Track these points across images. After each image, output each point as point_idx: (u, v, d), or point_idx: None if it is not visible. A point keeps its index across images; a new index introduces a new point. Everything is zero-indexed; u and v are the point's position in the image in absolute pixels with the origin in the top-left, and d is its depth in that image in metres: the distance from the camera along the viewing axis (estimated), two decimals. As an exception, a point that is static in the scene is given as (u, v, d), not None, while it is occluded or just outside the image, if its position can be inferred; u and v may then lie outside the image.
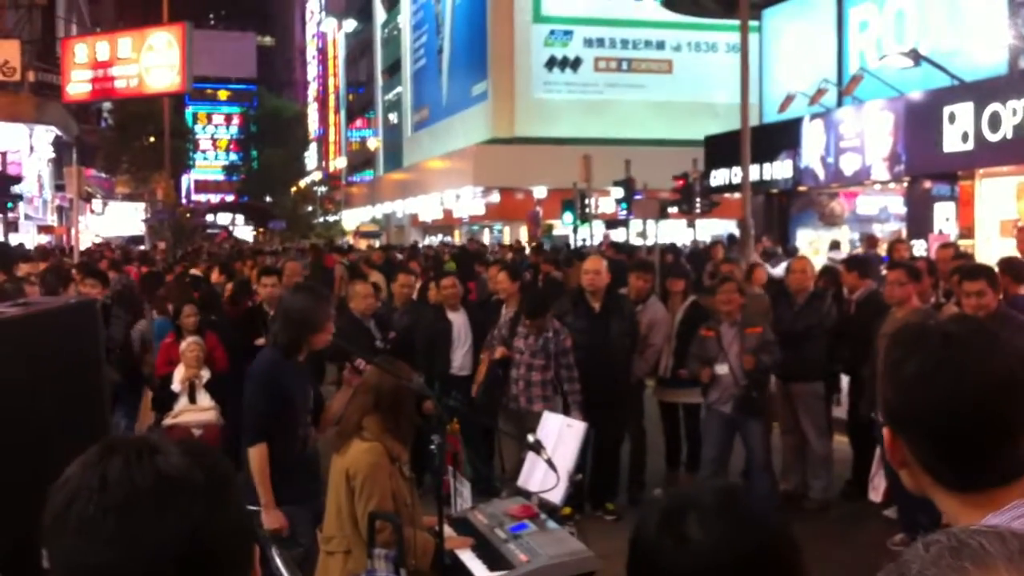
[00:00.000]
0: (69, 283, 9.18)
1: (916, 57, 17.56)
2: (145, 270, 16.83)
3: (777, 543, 1.49)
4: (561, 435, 5.30)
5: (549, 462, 4.64)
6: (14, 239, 22.34)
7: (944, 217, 17.67)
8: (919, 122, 17.16)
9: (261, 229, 64.26)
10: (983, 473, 1.59)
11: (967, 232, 16.80)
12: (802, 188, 21.53)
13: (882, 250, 16.03)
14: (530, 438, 4.80)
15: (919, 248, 15.68)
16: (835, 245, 18.41)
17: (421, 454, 5.92)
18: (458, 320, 9.29)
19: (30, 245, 24.16)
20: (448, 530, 4.51)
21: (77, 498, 1.27)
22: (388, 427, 4.55)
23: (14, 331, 2.74)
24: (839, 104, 20.52)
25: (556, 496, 4.89)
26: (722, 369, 8.14)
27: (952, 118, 16.15)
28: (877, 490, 7.76)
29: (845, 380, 9.67)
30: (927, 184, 18.06)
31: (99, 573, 1.26)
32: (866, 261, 10.82)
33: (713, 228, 29.01)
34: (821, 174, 20.11)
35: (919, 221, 18.06)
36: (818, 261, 14.25)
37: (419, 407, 5.28)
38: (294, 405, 5.37)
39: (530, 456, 5.12)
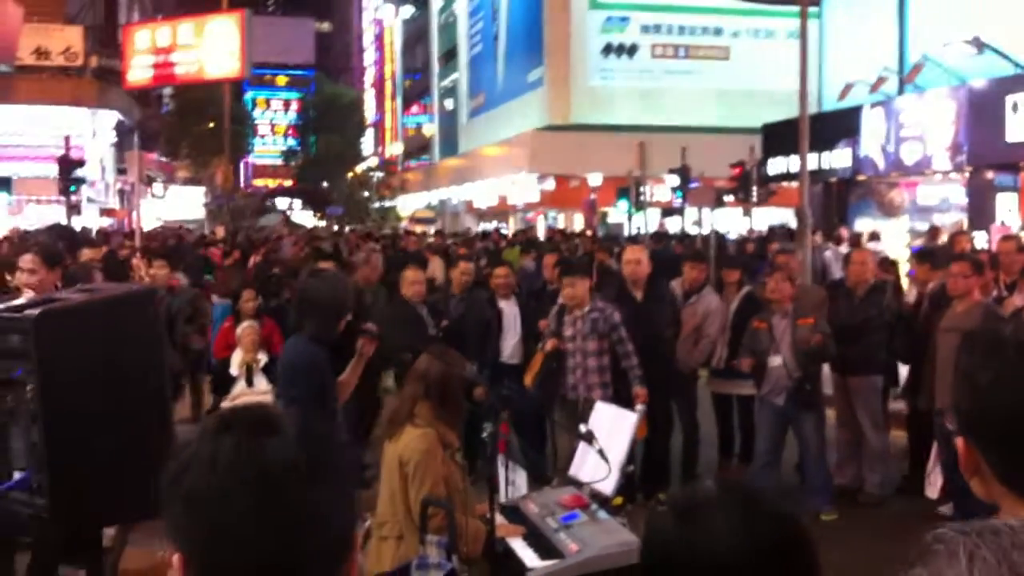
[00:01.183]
0: (129, 268, 9.34)
1: (979, 45, 17.27)
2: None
3: (793, 538, 1.50)
4: (613, 425, 5.30)
5: (601, 452, 4.65)
6: (76, 222, 22.73)
7: (1007, 208, 17.37)
8: (982, 111, 16.89)
9: (319, 214, 64.80)
10: None
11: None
12: (861, 177, 21.28)
13: (942, 241, 15.79)
14: (582, 428, 4.81)
15: (980, 240, 15.42)
16: (874, 236, 18.12)
17: (473, 441, 5.96)
18: (509, 309, 9.31)
19: (93, 228, 24.56)
20: (499, 518, 4.54)
21: (188, 470, 1.32)
22: (439, 414, 4.59)
23: (79, 317, 2.81)
24: (900, 92, 20.23)
25: (607, 487, 4.89)
26: (775, 361, 8.07)
27: (1016, 107, 15.88)
28: (934, 486, 7.68)
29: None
30: (989, 174, 17.76)
31: (196, 546, 1.32)
32: (937, 253, 10.62)
33: (770, 217, 28.75)
34: (881, 163, 19.85)
35: (981, 212, 17.78)
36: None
37: (469, 394, 5.30)
38: (329, 393, 5.34)
39: (582, 446, 5.13)
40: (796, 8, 16.60)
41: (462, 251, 14.81)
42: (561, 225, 37.50)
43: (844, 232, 19.36)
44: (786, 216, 24.66)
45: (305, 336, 5.30)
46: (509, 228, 38.99)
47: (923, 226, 19.85)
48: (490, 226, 42.03)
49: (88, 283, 6.47)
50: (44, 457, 2.67)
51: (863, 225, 21.89)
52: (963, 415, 1.66)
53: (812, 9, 19.15)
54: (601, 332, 7.93)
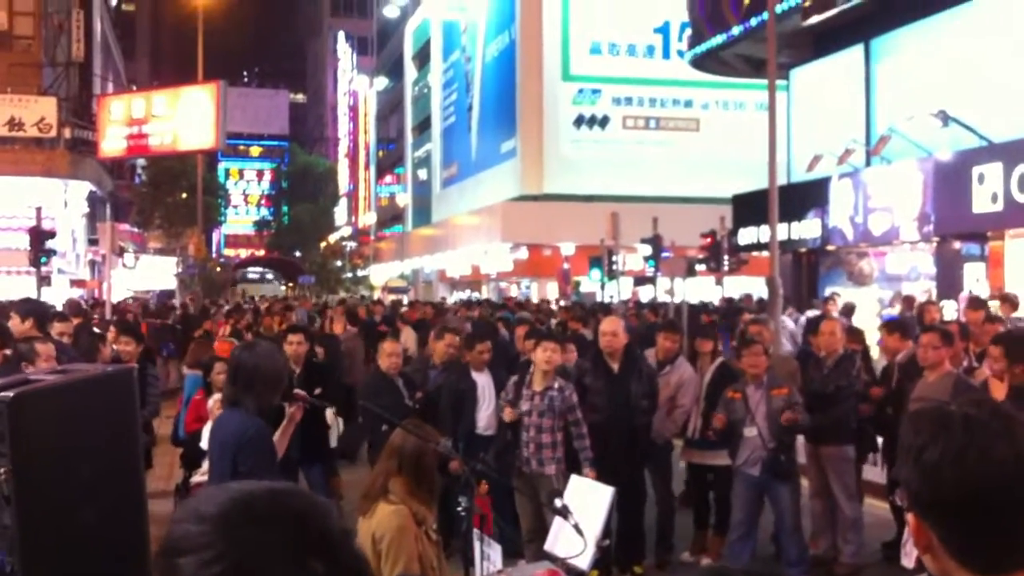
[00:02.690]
0: (102, 342, 9.26)
1: (945, 118, 17.59)
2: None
3: None
4: (588, 499, 5.28)
5: (576, 527, 4.63)
6: (46, 293, 22.54)
7: (974, 278, 17.57)
8: (948, 182, 17.16)
9: (291, 283, 64.75)
10: (1010, 554, 1.62)
11: (997, 293, 16.69)
12: (831, 247, 21.50)
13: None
14: (557, 503, 4.79)
15: (949, 309, 15.56)
16: (848, 310, 18.06)
17: (449, 516, 5.92)
18: (482, 380, 9.28)
19: (63, 299, 24.36)
20: (475, 595, 4.50)
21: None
22: (413, 490, 4.56)
23: (54, 398, 2.80)
24: (867, 164, 20.54)
25: (583, 562, 4.86)
26: (750, 432, 8.09)
27: (981, 179, 16.14)
28: (910, 556, 7.63)
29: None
30: (956, 244, 18.00)
31: None
32: (907, 323, 10.74)
33: (742, 286, 28.98)
34: (849, 234, 20.08)
35: (949, 281, 17.98)
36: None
37: (444, 468, 5.25)
38: (275, 466, 5.15)
39: (557, 520, 5.10)
40: (764, 81, 16.89)
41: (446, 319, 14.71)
42: (535, 294, 37.66)
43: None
44: (758, 285, 24.84)
45: (246, 411, 5.03)
46: (480, 297, 39.01)
47: (892, 294, 20.02)
48: (464, 295, 42.09)
49: (32, 363, 6.42)
50: (17, 539, 2.64)
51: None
52: (912, 492, 1.69)
53: (780, 82, 19.51)
54: (558, 411, 7.94)
